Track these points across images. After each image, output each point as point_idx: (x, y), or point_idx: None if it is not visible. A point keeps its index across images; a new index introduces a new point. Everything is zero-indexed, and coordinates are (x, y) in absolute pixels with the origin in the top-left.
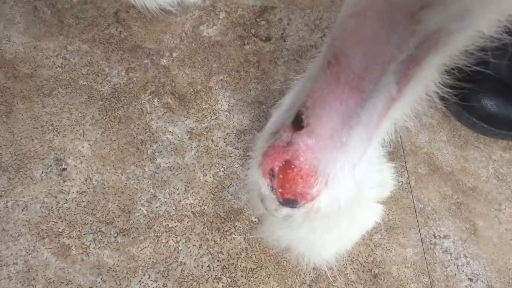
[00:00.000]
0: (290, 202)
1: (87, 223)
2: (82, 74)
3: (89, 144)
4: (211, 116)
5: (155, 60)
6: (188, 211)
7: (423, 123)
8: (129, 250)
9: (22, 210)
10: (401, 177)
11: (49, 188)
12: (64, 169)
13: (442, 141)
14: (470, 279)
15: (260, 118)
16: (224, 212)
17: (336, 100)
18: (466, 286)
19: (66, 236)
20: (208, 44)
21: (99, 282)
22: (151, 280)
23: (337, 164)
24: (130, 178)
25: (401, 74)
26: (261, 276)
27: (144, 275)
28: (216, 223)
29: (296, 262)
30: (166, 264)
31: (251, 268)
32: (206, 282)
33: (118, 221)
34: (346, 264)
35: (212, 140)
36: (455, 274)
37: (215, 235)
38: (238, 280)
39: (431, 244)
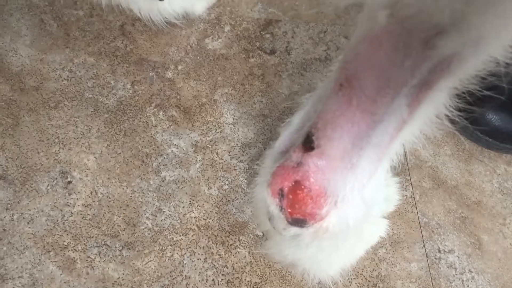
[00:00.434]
0: (299, 222)
1: (92, 236)
2: (88, 87)
3: (95, 157)
4: (216, 129)
5: (160, 73)
6: (193, 224)
7: (427, 137)
8: (134, 263)
9: (28, 223)
10: (406, 191)
11: (55, 201)
12: (69, 182)
13: (446, 155)
14: None
15: (264, 131)
16: (228, 226)
17: (348, 122)
18: None
19: (71, 250)
20: (213, 57)
21: None
22: None
23: (347, 185)
24: (135, 191)
25: (413, 97)
26: None
27: None
28: (221, 237)
29: (301, 277)
30: (171, 278)
31: (256, 283)
32: None
33: (123, 234)
34: (351, 279)
35: (217, 153)
36: None
37: (219, 249)
38: None
39: (435, 258)
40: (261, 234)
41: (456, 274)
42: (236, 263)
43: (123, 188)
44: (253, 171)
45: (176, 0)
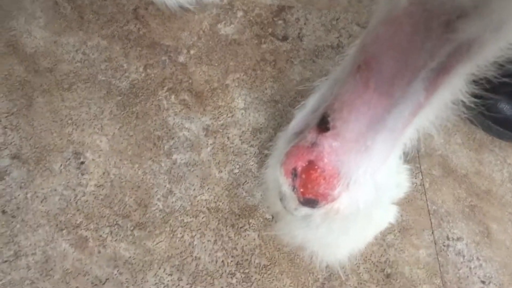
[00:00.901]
0: (310, 202)
1: (105, 216)
2: (101, 69)
3: (107, 138)
4: (227, 114)
5: (173, 57)
6: (203, 207)
7: (440, 124)
8: (145, 243)
9: (41, 201)
10: (416, 178)
11: (68, 180)
12: (82, 163)
13: (457, 143)
14: (483, 282)
15: (275, 116)
16: (238, 209)
17: (364, 104)
18: None
19: (84, 228)
20: (225, 42)
21: (115, 274)
22: (166, 274)
23: (360, 167)
24: (146, 173)
25: (430, 81)
26: (275, 273)
27: (159, 268)
28: (231, 220)
29: (310, 260)
30: (181, 259)
31: (265, 265)
32: (220, 277)
33: (134, 215)
34: (359, 264)
35: (228, 138)
36: (468, 277)
37: (229, 231)
38: (251, 276)
39: (444, 246)
40: (271, 217)
41: (464, 262)
42: (246, 245)
43: (135, 170)
44: (264, 155)
45: None
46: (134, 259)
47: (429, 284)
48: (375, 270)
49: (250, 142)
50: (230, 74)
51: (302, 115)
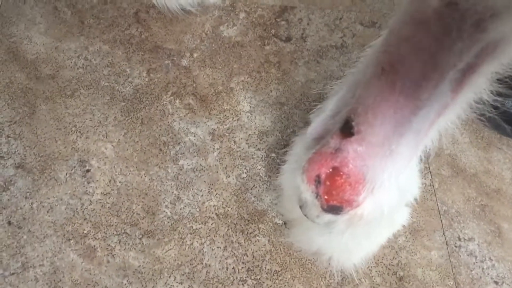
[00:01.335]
0: (334, 209)
1: (112, 225)
2: (104, 75)
3: (112, 145)
4: (232, 117)
5: (176, 61)
6: (212, 213)
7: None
8: (154, 252)
9: (47, 211)
10: (425, 179)
11: (74, 189)
12: (88, 171)
13: (465, 142)
14: (496, 282)
15: (282, 119)
16: (247, 214)
17: (390, 108)
18: None
19: (92, 238)
20: (228, 44)
21: (125, 284)
22: (177, 282)
23: (385, 171)
24: (153, 179)
25: (457, 82)
26: (286, 278)
27: (169, 277)
28: (240, 225)
29: (321, 264)
30: (191, 266)
31: (276, 271)
32: (232, 284)
33: (142, 223)
34: (371, 267)
35: (235, 142)
36: (481, 277)
37: (239, 237)
38: (263, 282)
39: (455, 246)
40: (281, 222)
41: (477, 262)
42: (256, 251)
43: (141, 177)
44: (271, 159)
45: None
46: (143, 268)
47: (442, 286)
48: (388, 273)
49: (257, 145)
50: (235, 77)
51: (320, 120)
